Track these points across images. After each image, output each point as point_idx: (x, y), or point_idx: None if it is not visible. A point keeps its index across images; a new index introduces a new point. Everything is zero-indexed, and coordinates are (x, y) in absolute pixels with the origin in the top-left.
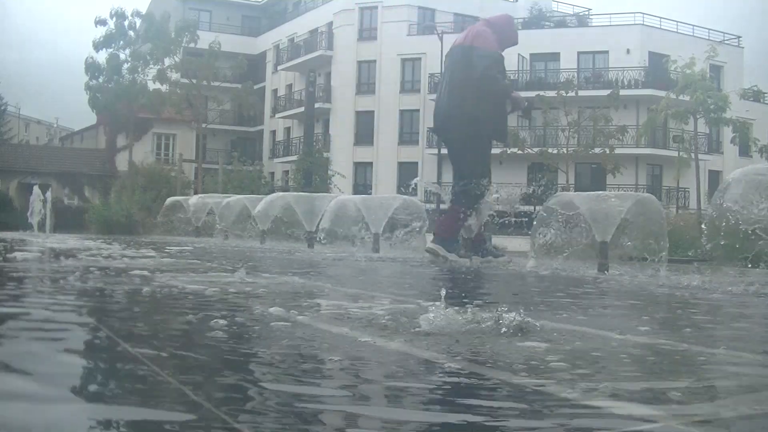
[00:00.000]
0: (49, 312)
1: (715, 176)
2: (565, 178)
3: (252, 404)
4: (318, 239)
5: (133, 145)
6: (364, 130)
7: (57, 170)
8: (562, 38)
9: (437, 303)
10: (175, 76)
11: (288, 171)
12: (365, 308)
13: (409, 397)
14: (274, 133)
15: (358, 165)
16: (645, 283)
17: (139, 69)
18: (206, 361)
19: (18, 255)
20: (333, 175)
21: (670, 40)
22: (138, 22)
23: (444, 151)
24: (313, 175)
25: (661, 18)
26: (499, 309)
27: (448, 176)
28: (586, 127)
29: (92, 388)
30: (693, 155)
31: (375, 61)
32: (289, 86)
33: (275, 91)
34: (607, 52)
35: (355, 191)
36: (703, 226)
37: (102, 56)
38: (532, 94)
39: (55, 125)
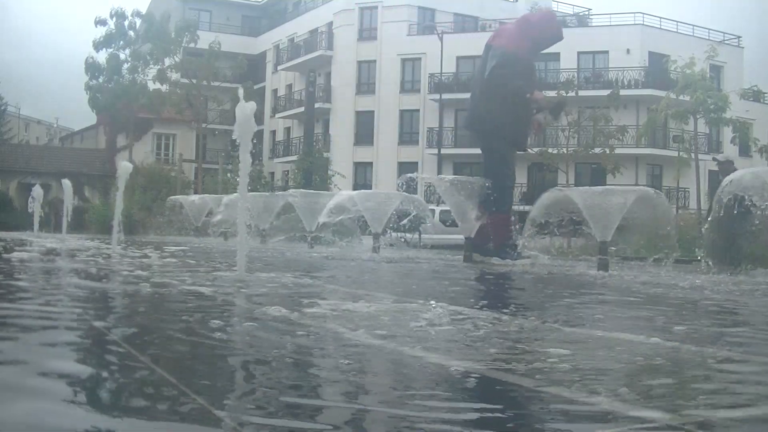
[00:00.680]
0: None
1: (715, 176)
2: (565, 178)
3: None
4: (311, 242)
5: (133, 145)
6: (364, 130)
7: (57, 170)
8: None
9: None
10: (175, 76)
11: (288, 171)
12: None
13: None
14: (274, 133)
15: (358, 165)
16: (654, 283)
17: (139, 69)
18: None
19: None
20: (333, 175)
21: (670, 40)
22: (138, 22)
23: (444, 151)
24: (313, 175)
25: (661, 18)
26: (529, 315)
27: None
28: (586, 127)
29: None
30: (693, 155)
31: (375, 61)
32: (289, 86)
33: (275, 91)
34: (607, 52)
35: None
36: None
37: (102, 56)
38: None
39: (55, 125)
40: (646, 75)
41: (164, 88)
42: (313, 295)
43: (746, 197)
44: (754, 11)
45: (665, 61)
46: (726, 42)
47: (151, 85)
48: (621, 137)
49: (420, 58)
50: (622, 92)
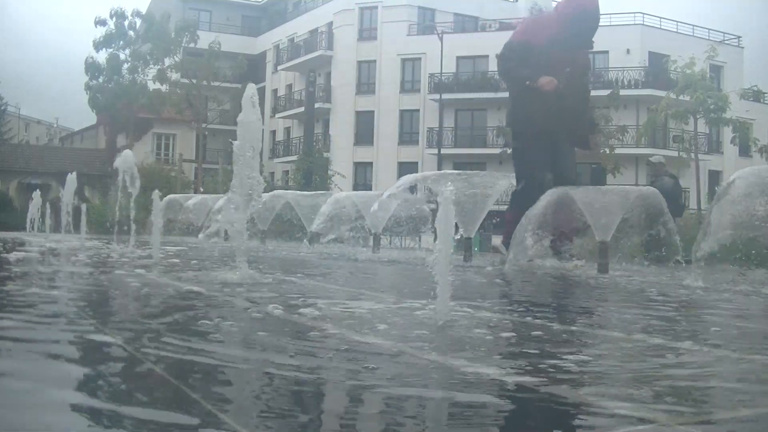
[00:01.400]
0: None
1: (715, 176)
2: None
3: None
4: (309, 243)
5: (133, 145)
6: (364, 130)
7: (57, 170)
8: None
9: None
10: (175, 76)
11: (288, 171)
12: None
13: None
14: (274, 133)
15: (358, 165)
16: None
17: (139, 69)
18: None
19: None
20: (333, 175)
21: (670, 40)
22: (138, 22)
23: (444, 151)
24: (313, 175)
25: (661, 18)
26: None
27: None
28: None
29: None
30: (693, 155)
31: (375, 61)
32: (289, 86)
33: (275, 91)
34: (607, 52)
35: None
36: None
37: (102, 56)
38: None
39: (55, 125)
40: (646, 75)
41: (164, 88)
42: (356, 297)
43: None
44: (754, 11)
45: (665, 61)
46: (726, 42)
47: (151, 85)
48: (621, 137)
49: (420, 58)
50: (622, 92)
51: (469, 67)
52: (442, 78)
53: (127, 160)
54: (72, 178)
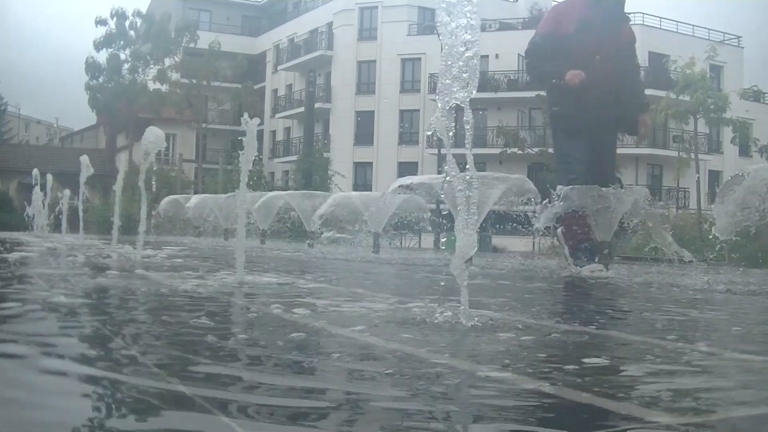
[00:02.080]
0: None
1: (715, 176)
2: None
3: None
4: (311, 244)
5: (133, 145)
6: (364, 130)
7: (57, 170)
8: None
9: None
10: (175, 76)
11: (288, 171)
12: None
13: None
14: (274, 133)
15: (358, 165)
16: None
17: (139, 69)
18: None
19: None
20: (333, 175)
21: (670, 40)
22: (138, 22)
23: (444, 150)
24: (313, 175)
25: (661, 18)
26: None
27: None
28: None
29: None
30: (693, 155)
31: (375, 61)
32: (289, 86)
33: (275, 91)
34: None
35: (355, 191)
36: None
37: (102, 56)
38: (532, 94)
39: (55, 125)
40: (646, 75)
41: (164, 88)
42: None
43: None
44: (754, 11)
45: (665, 61)
46: (726, 42)
47: (151, 85)
48: (621, 137)
49: (420, 58)
50: None
51: None
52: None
53: (157, 137)
54: (85, 162)
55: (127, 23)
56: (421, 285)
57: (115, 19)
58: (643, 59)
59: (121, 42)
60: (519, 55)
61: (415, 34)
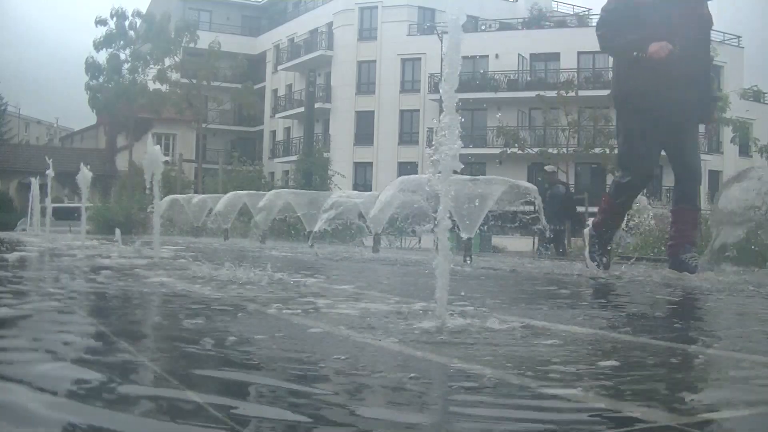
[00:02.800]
0: None
1: (714, 176)
2: (565, 178)
3: None
4: (311, 244)
5: (133, 145)
6: (364, 130)
7: (57, 170)
8: (562, 38)
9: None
10: (175, 76)
11: (288, 171)
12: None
13: None
14: (274, 133)
15: (358, 165)
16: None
17: (139, 69)
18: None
19: None
20: (333, 175)
21: None
22: (138, 22)
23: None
24: (313, 175)
25: None
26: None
27: None
28: (586, 127)
29: None
30: None
31: (375, 61)
32: (289, 86)
33: (275, 91)
34: None
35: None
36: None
37: (102, 56)
38: (532, 94)
39: (55, 125)
40: None
41: (164, 88)
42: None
43: None
44: (754, 11)
45: None
46: (726, 42)
47: (151, 85)
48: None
49: (420, 58)
50: None
51: (469, 67)
52: (443, 78)
53: (156, 157)
54: (86, 173)
55: (127, 23)
56: (427, 286)
57: (115, 19)
58: None
59: (121, 42)
60: (519, 54)
61: (415, 34)
